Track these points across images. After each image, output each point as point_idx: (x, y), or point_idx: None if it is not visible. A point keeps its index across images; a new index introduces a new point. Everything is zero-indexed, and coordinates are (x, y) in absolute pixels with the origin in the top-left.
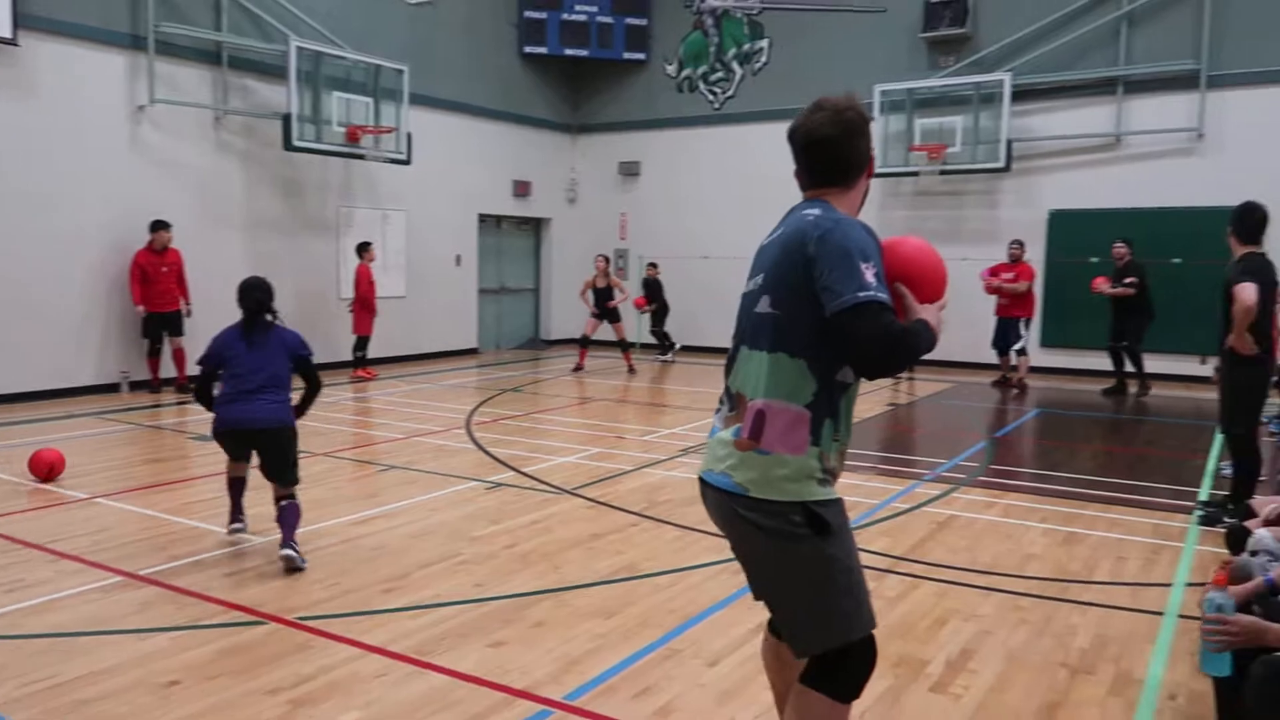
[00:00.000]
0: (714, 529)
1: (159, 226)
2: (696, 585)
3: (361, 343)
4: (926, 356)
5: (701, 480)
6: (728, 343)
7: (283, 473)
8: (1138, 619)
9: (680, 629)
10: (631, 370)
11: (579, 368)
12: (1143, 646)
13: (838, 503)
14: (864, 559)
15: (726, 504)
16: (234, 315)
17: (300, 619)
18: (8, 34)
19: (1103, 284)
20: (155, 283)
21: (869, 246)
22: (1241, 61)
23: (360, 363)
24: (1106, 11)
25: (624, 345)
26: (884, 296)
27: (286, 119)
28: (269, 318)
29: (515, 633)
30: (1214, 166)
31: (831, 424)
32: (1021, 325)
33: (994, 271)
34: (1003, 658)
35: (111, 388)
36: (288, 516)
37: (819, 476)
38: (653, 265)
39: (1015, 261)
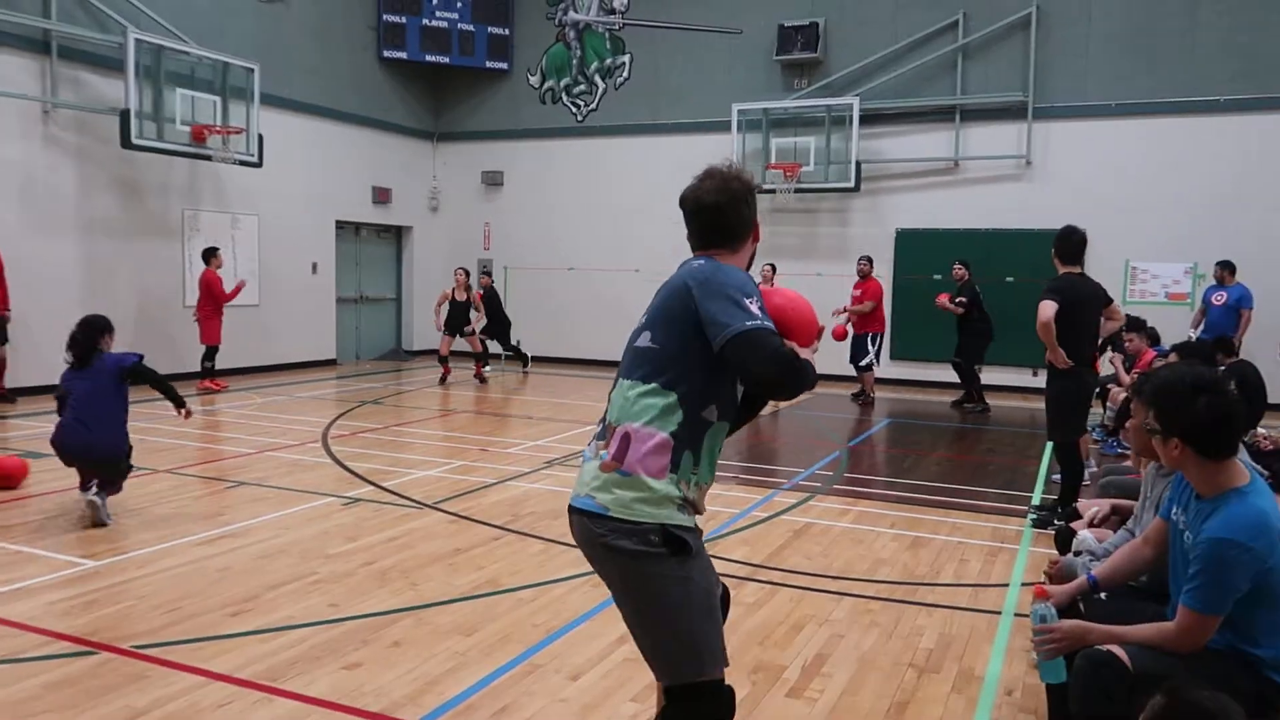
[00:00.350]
0: None
1: None
2: (560, 599)
3: (210, 352)
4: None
5: (570, 508)
6: (591, 353)
7: (114, 484)
8: (978, 618)
9: (543, 643)
10: (482, 380)
11: (444, 378)
12: (982, 645)
13: (696, 531)
14: (724, 567)
15: (588, 525)
16: (69, 321)
17: (136, 647)
18: None
19: (944, 300)
20: None
21: (749, 286)
22: (1064, 95)
23: (208, 373)
24: (944, 44)
25: (479, 356)
26: (770, 325)
27: (125, 115)
28: (98, 350)
29: (372, 653)
30: (1040, 191)
31: (691, 456)
32: (868, 341)
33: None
34: (855, 660)
35: None
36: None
37: (677, 503)
38: (486, 274)
39: (864, 277)
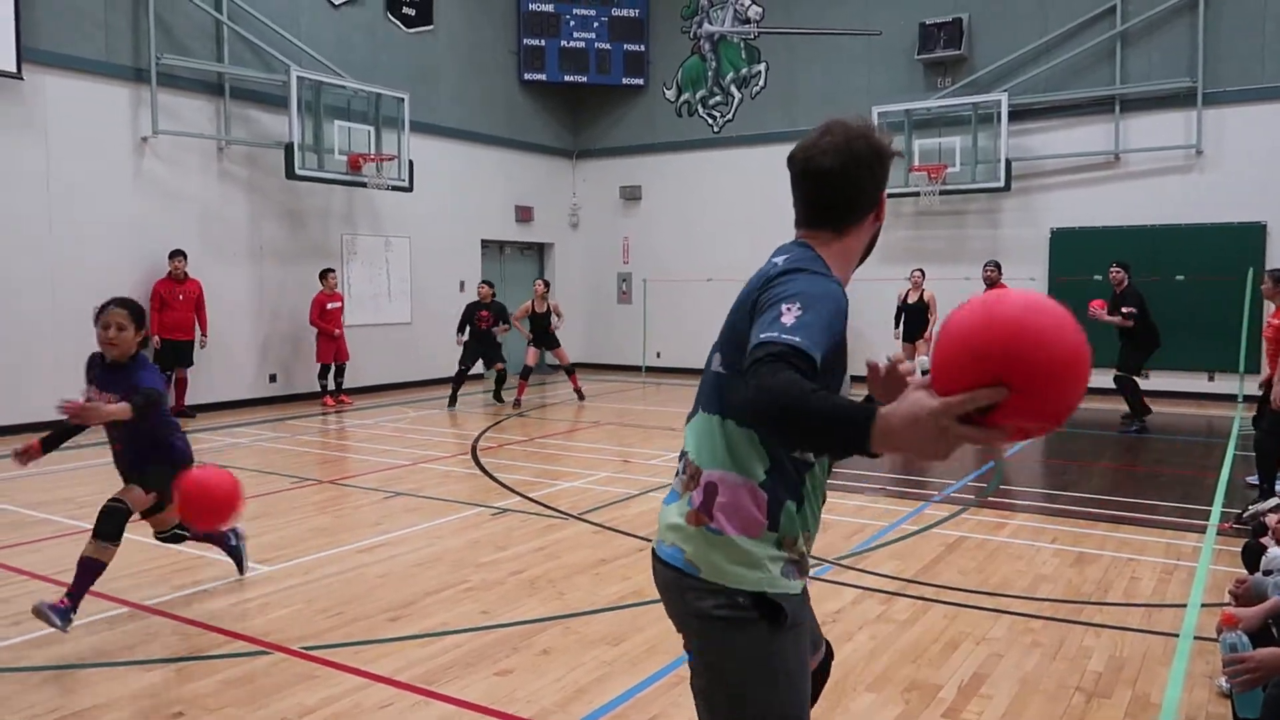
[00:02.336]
0: None
1: (175, 255)
2: None
3: (323, 370)
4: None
5: (653, 552)
6: None
7: None
8: (1152, 640)
9: (687, 655)
10: (580, 396)
11: (518, 403)
12: (1158, 669)
13: (799, 598)
14: (872, 581)
15: (674, 582)
16: (241, 342)
17: (305, 649)
18: (11, 68)
19: (1099, 310)
20: (172, 311)
21: (821, 298)
22: (1237, 79)
23: (325, 391)
24: (1101, 31)
25: (569, 370)
26: (802, 343)
27: (289, 148)
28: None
29: (522, 660)
30: (1213, 183)
31: (794, 506)
32: None
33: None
34: (1016, 681)
35: None
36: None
37: (780, 564)
38: (487, 284)
39: (991, 285)
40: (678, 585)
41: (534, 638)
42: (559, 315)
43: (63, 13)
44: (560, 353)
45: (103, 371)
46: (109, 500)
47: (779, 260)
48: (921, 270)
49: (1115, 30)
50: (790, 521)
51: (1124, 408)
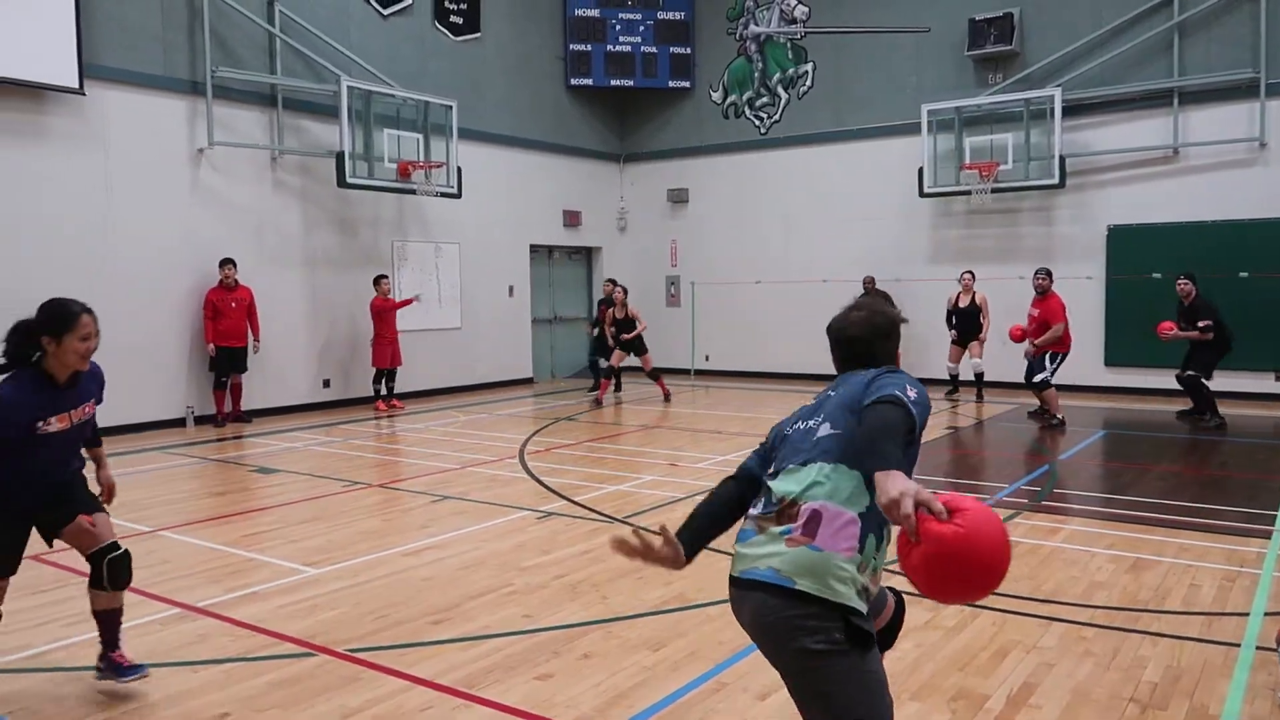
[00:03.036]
0: None
1: (225, 264)
2: None
3: (377, 375)
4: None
5: (734, 582)
6: (781, 367)
7: None
8: (1212, 650)
9: (729, 661)
10: (667, 398)
11: (599, 402)
12: (1218, 680)
13: (871, 620)
14: None
15: (765, 601)
16: (296, 348)
17: (350, 651)
18: (75, 84)
19: (1171, 330)
20: (225, 319)
21: (920, 390)
22: None
23: (378, 395)
24: (1158, 23)
25: (653, 374)
26: (914, 407)
27: (340, 157)
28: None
29: (563, 664)
30: (1277, 177)
31: (875, 540)
32: (1046, 359)
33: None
34: (1067, 691)
35: (177, 423)
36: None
37: (860, 587)
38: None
39: (1043, 294)
40: (769, 601)
41: (575, 642)
42: (639, 321)
43: (122, 29)
44: (646, 358)
45: (57, 392)
46: (106, 554)
47: (871, 371)
48: (971, 273)
49: (1173, 21)
50: (871, 552)
51: (1175, 407)
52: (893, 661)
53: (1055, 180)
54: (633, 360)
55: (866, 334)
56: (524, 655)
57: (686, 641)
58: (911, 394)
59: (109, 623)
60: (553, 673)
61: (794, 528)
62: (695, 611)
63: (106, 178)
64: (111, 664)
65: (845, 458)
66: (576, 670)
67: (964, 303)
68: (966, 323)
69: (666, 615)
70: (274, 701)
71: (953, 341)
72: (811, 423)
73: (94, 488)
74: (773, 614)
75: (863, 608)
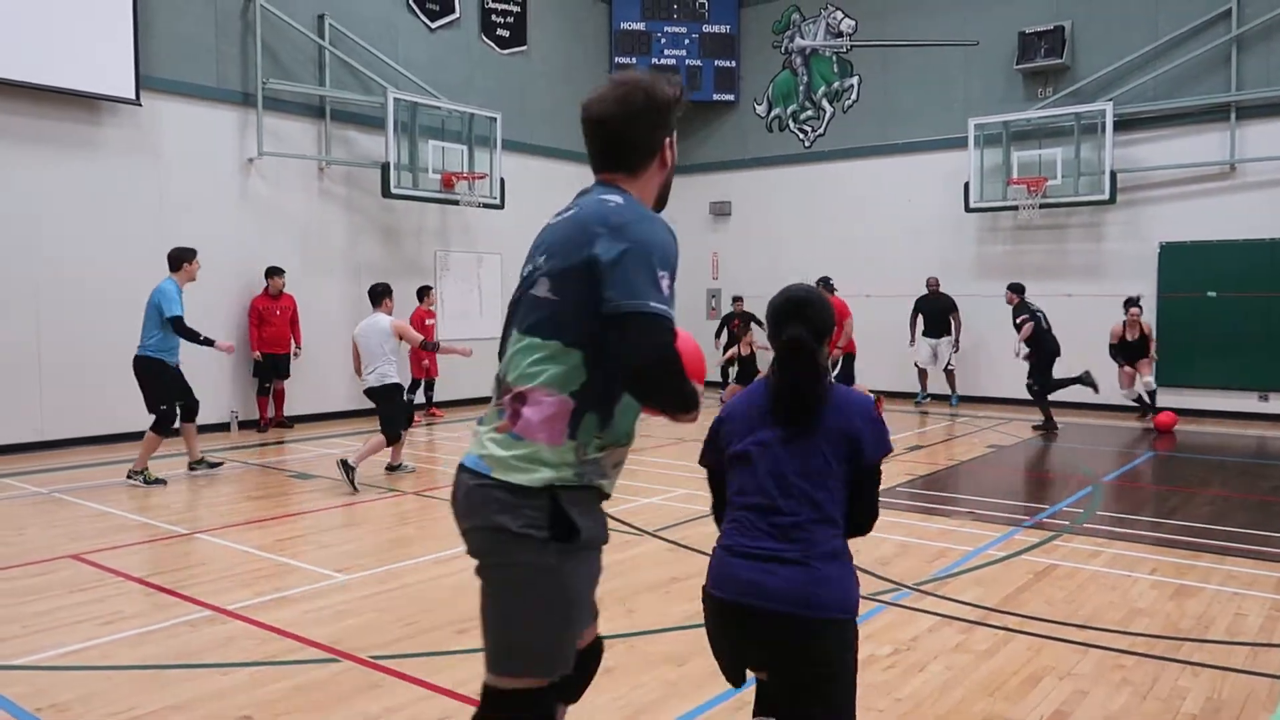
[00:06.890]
0: None
1: (273, 273)
2: None
3: (412, 385)
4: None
5: (459, 466)
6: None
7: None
8: (1257, 683)
9: (753, 680)
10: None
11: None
12: (1261, 715)
13: (592, 503)
14: (952, 609)
15: (466, 484)
16: (338, 356)
17: (374, 658)
18: (131, 95)
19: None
20: (270, 326)
21: (670, 254)
22: None
23: (416, 405)
24: (1215, 36)
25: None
26: (672, 315)
27: (385, 167)
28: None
29: None
30: None
31: (595, 418)
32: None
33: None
34: None
35: (221, 427)
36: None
37: (573, 468)
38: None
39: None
40: (468, 485)
41: None
42: (756, 348)
43: (177, 42)
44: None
45: None
46: None
47: (613, 200)
48: (1139, 306)
49: (1230, 35)
50: (590, 430)
51: (1226, 430)
52: (919, 685)
53: (1105, 196)
54: None
55: (616, 112)
56: None
57: (710, 658)
58: (664, 282)
59: None
60: None
61: (505, 412)
62: None
63: (160, 186)
64: None
65: (559, 334)
66: (598, 683)
67: (1132, 336)
68: (1133, 352)
69: (691, 630)
70: (294, 706)
71: (1120, 367)
72: (537, 263)
73: None
74: (465, 493)
75: (571, 482)
